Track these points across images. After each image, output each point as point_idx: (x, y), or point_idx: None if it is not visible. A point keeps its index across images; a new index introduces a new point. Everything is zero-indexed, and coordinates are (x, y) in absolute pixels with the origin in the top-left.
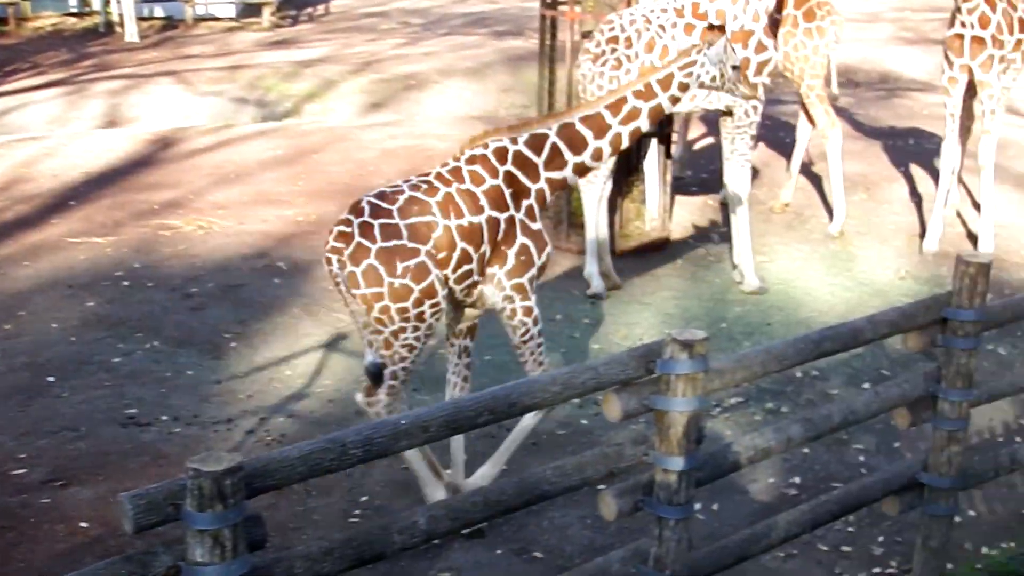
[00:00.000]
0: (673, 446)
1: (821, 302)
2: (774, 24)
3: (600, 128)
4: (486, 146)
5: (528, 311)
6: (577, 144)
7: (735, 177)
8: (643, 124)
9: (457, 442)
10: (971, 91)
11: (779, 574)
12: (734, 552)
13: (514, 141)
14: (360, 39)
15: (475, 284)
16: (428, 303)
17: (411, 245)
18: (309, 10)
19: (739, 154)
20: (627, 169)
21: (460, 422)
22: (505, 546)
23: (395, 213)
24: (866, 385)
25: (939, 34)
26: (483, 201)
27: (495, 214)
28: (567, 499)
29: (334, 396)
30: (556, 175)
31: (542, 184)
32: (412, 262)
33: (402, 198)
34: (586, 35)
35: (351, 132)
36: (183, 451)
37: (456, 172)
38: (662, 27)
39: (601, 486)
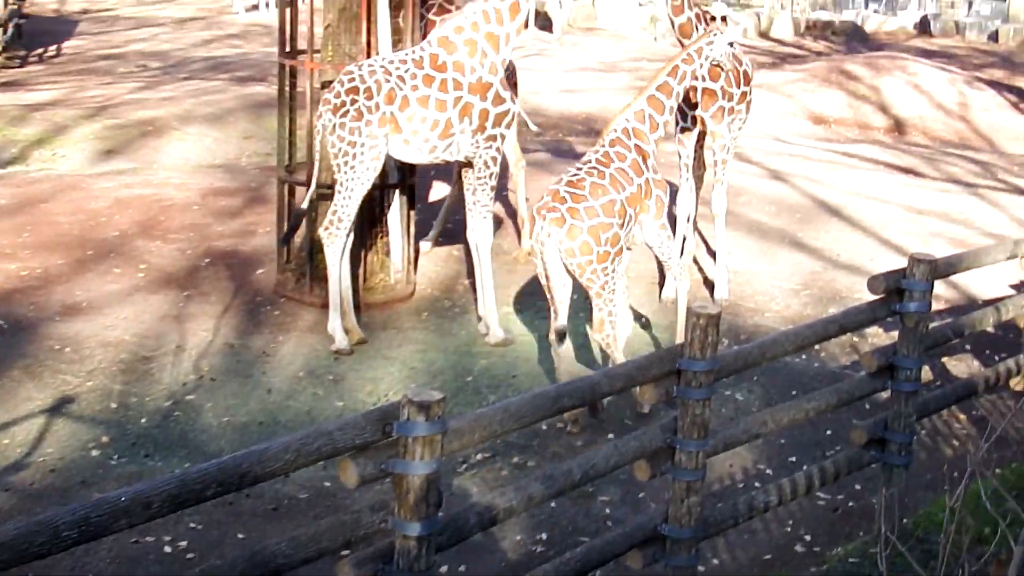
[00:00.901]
0: (411, 511)
1: None
2: (511, 75)
3: (669, 93)
4: (615, 130)
5: (670, 237)
6: (660, 109)
7: (478, 228)
8: (688, 83)
9: None
10: (702, 141)
11: None
12: None
13: (627, 120)
14: (95, 82)
15: (630, 231)
16: (617, 258)
17: (607, 220)
18: (40, 50)
19: (481, 205)
20: (371, 221)
21: (186, 496)
22: None
23: (589, 196)
24: (611, 436)
25: None
26: (631, 173)
27: (639, 180)
28: (310, 568)
29: (56, 465)
30: (656, 135)
31: (652, 146)
32: (610, 233)
33: (588, 183)
34: (326, 85)
35: (83, 180)
36: None
37: (608, 155)
38: (402, 78)
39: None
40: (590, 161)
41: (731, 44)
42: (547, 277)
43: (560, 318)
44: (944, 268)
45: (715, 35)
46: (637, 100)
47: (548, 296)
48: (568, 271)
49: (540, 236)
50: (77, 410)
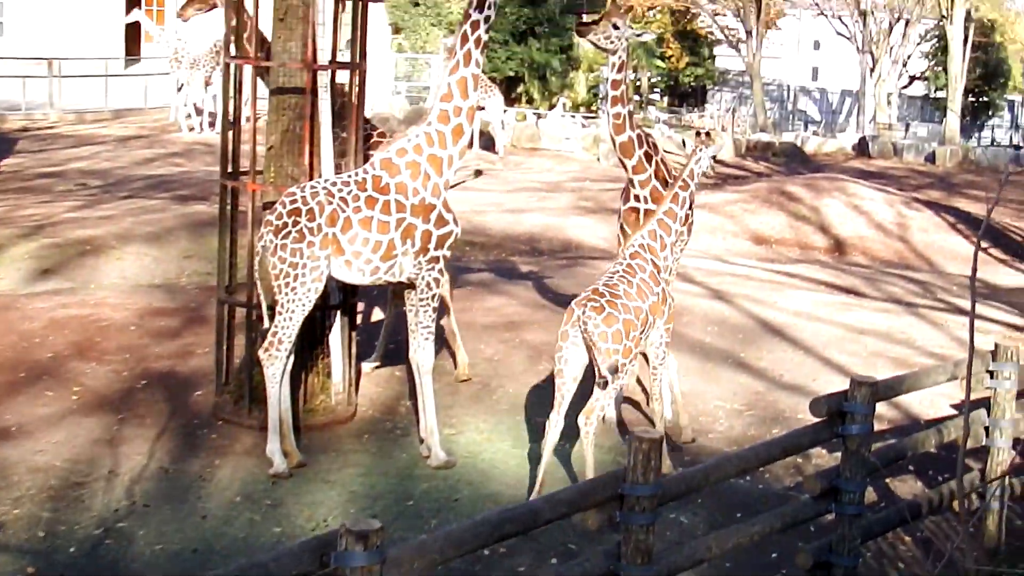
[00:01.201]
0: None
1: (509, 475)
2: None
3: (675, 217)
4: (633, 245)
5: (668, 343)
6: (668, 232)
7: (420, 349)
8: (688, 206)
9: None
10: None
11: None
12: None
13: (643, 237)
14: (32, 200)
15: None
16: (635, 361)
17: (636, 321)
18: None
19: (423, 326)
20: (311, 342)
21: None
22: None
23: (623, 297)
24: (553, 560)
25: (616, 203)
26: (651, 283)
27: (656, 289)
28: None
29: None
30: (664, 253)
31: (662, 261)
32: (636, 333)
33: (622, 287)
34: (268, 206)
35: (17, 301)
36: None
37: (631, 267)
38: (344, 200)
39: None
40: (618, 271)
41: (714, 157)
42: (564, 364)
43: (561, 410)
44: (885, 391)
45: (700, 150)
46: (649, 223)
47: (557, 387)
48: (592, 356)
49: (577, 321)
50: (2, 539)
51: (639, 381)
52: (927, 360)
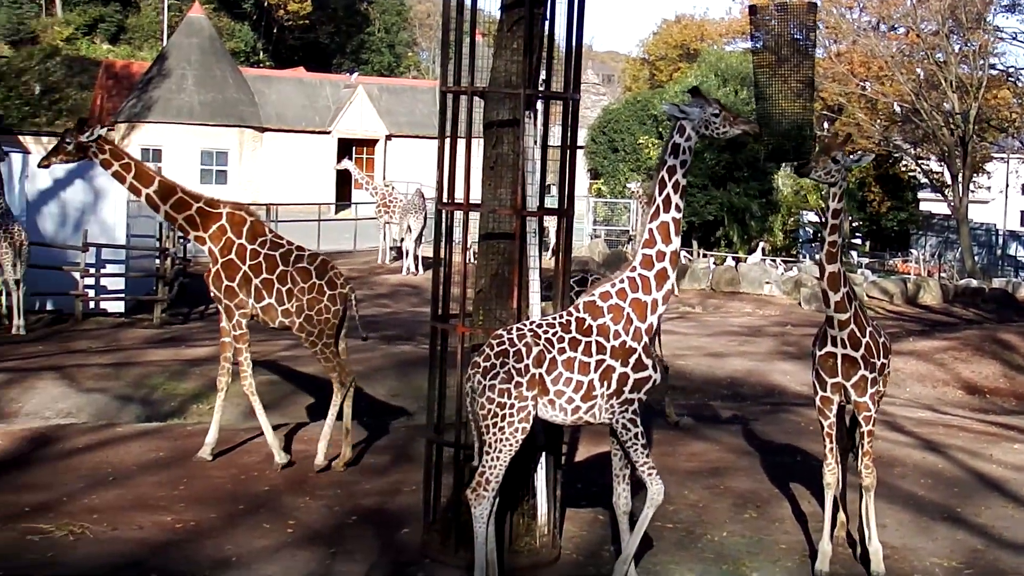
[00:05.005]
0: None
1: None
2: None
3: None
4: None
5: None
6: None
7: (649, 486)
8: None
9: None
10: (842, 411)
11: None
12: None
13: None
14: (253, 338)
15: None
16: None
17: None
18: (201, 308)
19: (640, 464)
20: (516, 483)
21: None
22: None
23: None
24: None
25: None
26: None
27: None
28: None
29: None
30: None
31: None
32: None
33: None
34: (476, 348)
35: (237, 435)
36: None
37: None
38: (549, 341)
39: None
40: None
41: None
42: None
43: None
44: None
45: None
46: None
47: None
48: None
49: None
50: None
51: (848, 534)
52: None
